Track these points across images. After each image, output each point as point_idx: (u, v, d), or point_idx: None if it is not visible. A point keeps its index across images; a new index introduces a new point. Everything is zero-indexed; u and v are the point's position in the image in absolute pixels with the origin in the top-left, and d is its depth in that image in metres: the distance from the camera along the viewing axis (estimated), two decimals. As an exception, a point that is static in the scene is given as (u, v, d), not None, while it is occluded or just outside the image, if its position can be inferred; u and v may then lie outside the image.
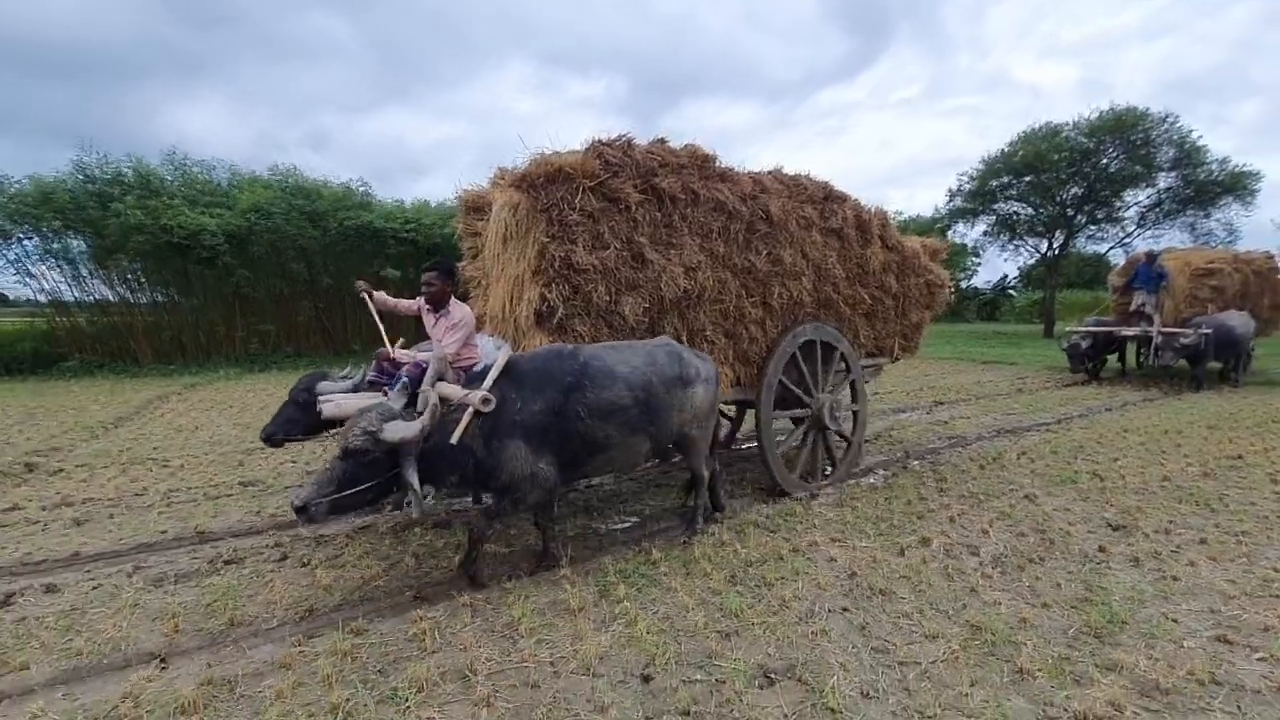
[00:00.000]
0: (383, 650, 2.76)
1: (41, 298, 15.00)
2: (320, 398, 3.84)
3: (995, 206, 24.43)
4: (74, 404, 10.10)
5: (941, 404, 9.26)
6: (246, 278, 15.02)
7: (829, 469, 5.40)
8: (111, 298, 15.26)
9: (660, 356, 3.72)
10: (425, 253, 15.29)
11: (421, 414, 3.00)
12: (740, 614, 3.05)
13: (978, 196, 24.17)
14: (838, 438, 5.37)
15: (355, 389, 4.04)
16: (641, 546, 3.89)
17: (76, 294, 15.17)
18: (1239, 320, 10.59)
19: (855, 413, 5.57)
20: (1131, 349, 12.52)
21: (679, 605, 3.15)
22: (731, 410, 6.42)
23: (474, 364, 3.80)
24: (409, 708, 2.36)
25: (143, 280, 15.25)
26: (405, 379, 3.47)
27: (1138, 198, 22.27)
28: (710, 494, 4.39)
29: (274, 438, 4.14)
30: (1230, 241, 20.53)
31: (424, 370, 3.42)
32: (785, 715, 2.32)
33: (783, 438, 5.17)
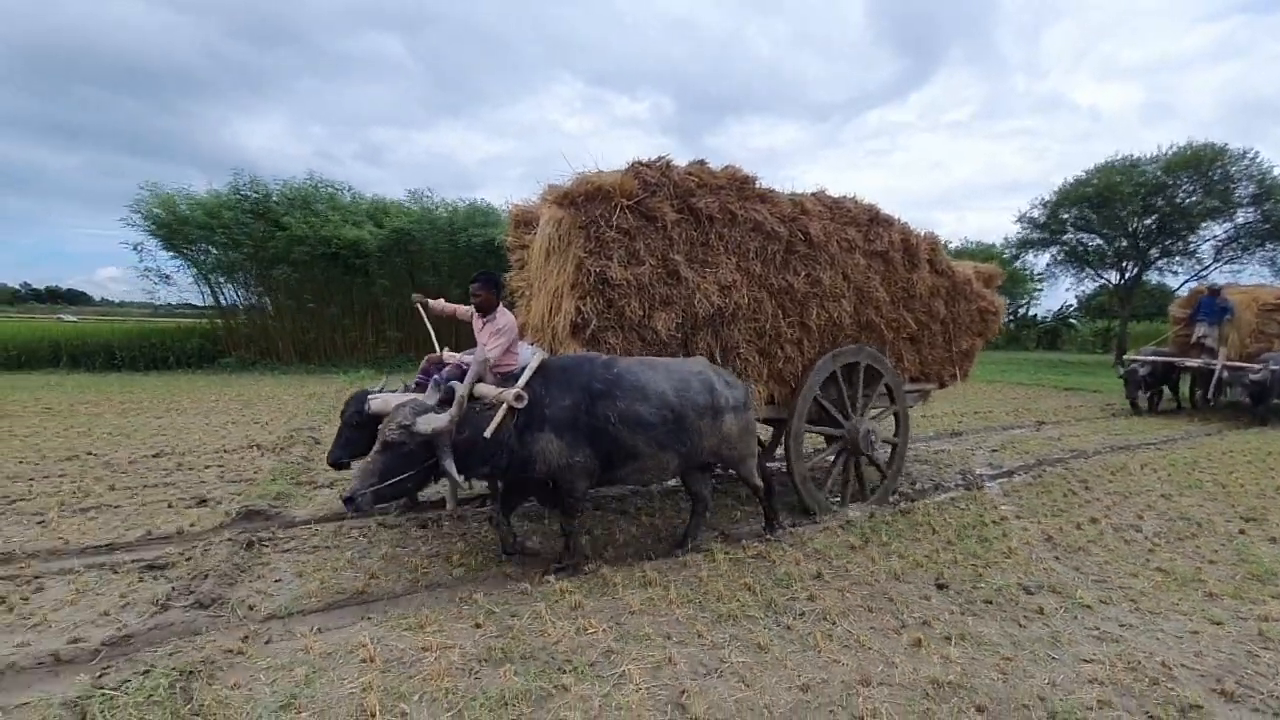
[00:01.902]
0: (743, 562, 4.01)
1: (206, 301, 17.13)
2: (369, 397, 4.11)
3: (1065, 237, 24.88)
4: (268, 394, 11.86)
5: (1045, 424, 10.18)
6: (385, 287, 16.83)
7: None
8: (263, 304, 17.31)
9: (694, 384, 3.89)
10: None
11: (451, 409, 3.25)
12: (979, 555, 4.22)
13: (1047, 226, 24.66)
14: (876, 461, 5.35)
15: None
16: (871, 513, 5.09)
17: (229, 300, 17.28)
18: None
19: (896, 435, 5.66)
20: (1185, 382, 12.34)
21: (930, 549, 4.34)
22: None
23: (513, 369, 4.00)
24: (796, 587, 3.60)
25: (286, 289, 17.09)
26: (437, 377, 3.77)
27: (1214, 231, 22.52)
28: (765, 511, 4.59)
29: (340, 462, 4.27)
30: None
31: (462, 371, 3.75)
32: (1055, 608, 3.47)
33: (829, 456, 5.33)
